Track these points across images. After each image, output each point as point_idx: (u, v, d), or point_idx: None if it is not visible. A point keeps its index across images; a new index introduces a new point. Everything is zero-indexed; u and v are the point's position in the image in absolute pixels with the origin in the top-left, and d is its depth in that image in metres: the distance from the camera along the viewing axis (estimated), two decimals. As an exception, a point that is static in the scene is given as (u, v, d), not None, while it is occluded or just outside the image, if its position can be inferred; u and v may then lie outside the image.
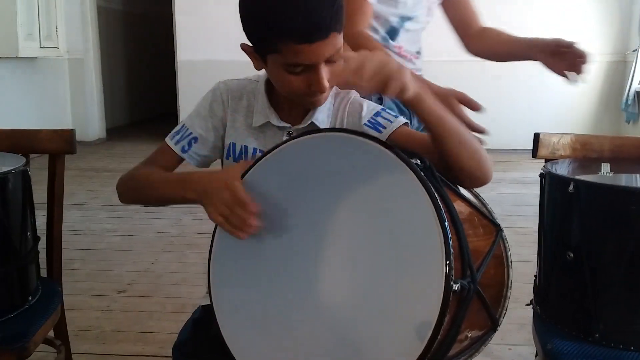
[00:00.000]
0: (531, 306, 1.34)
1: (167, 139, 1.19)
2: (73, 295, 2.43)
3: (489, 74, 6.11)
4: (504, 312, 1.04)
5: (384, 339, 0.85)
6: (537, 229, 1.34)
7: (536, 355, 1.32)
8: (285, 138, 1.12)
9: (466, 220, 0.93)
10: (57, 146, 1.52)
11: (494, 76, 6.13)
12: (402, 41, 1.57)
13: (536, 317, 1.31)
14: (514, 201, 3.94)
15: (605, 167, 1.26)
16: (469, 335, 0.96)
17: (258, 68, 1.09)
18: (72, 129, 1.52)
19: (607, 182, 1.22)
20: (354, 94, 1.19)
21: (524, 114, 6.04)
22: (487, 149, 1.05)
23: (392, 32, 1.56)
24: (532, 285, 1.37)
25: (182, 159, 1.18)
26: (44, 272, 1.50)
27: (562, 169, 1.33)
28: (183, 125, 1.19)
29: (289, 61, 1.00)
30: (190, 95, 5.72)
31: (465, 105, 1.27)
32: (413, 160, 0.88)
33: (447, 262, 0.80)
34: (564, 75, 1.48)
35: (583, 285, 1.16)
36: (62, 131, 1.52)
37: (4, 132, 1.52)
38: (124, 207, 4.02)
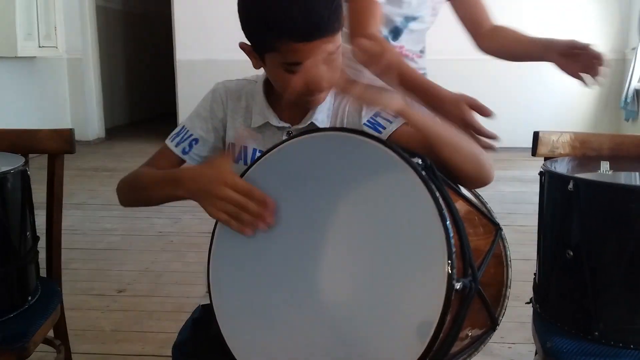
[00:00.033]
0: (531, 304, 1.34)
1: (167, 141, 1.19)
2: (73, 295, 2.43)
3: (489, 73, 6.10)
4: (503, 311, 1.04)
5: (385, 338, 0.84)
6: (537, 227, 1.34)
7: (536, 353, 1.32)
8: (284, 138, 1.11)
9: (466, 220, 0.93)
10: (57, 146, 1.52)
11: (494, 74, 6.12)
12: (405, 41, 1.56)
13: (536, 315, 1.31)
14: (514, 199, 3.94)
15: (605, 165, 1.26)
16: (470, 334, 0.96)
17: (257, 67, 1.09)
18: (71, 129, 1.52)
19: (607, 180, 1.22)
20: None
21: (523, 112, 6.04)
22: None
23: (395, 32, 1.55)
24: (532, 284, 1.37)
25: (183, 161, 1.18)
26: (43, 272, 1.50)
27: (561, 167, 1.33)
28: (183, 126, 1.19)
29: (287, 60, 1.00)
30: (190, 94, 5.72)
31: (475, 110, 1.25)
32: (414, 160, 0.87)
33: (449, 262, 0.80)
34: (579, 78, 1.45)
35: (583, 283, 1.16)
36: (61, 131, 1.52)
37: (3, 131, 1.52)
38: (123, 207, 3.99)
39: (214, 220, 1.01)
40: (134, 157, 5.81)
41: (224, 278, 1.00)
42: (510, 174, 4.69)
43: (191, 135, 1.17)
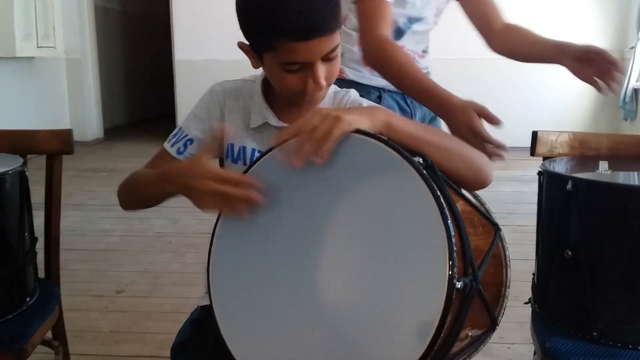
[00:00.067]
0: (529, 305, 1.34)
1: (165, 143, 1.19)
2: (71, 296, 2.42)
3: (488, 73, 6.11)
4: (503, 311, 1.04)
5: (385, 338, 0.84)
6: (535, 227, 1.34)
7: (535, 354, 1.32)
8: (283, 137, 1.11)
9: (466, 219, 0.92)
10: (55, 146, 1.51)
11: (493, 74, 6.13)
12: (407, 41, 1.56)
13: (534, 315, 1.31)
14: (513, 199, 3.94)
15: (604, 165, 1.26)
16: (469, 334, 0.95)
17: (255, 66, 1.09)
18: (69, 129, 1.52)
19: (605, 180, 1.22)
20: (354, 93, 1.18)
21: (522, 112, 6.04)
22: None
23: (398, 33, 1.54)
24: (530, 284, 1.37)
25: (179, 162, 1.18)
26: (41, 273, 1.50)
27: (560, 167, 1.34)
28: (180, 128, 1.19)
29: (285, 59, 1.00)
30: (188, 95, 5.72)
31: (484, 118, 1.24)
32: (415, 159, 0.87)
33: (450, 261, 0.79)
34: (593, 83, 1.43)
35: (581, 283, 1.16)
36: (59, 131, 1.51)
37: (2, 132, 1.52)
38: (122, 208, 3.98)
39: (213, 221, 1.01)
40: (133, 157, 5.81)
41: (223, 279, 0.99)
42: (509, 174, 4.69)
43: (186, 135, 1.17)
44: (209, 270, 1.01)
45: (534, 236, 1.35)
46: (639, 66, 5.46)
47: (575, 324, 1.19)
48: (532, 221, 1.37)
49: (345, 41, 1.60)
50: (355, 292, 0.88)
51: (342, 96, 1.17)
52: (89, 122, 6.71)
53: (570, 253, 1.18)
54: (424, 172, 0.85)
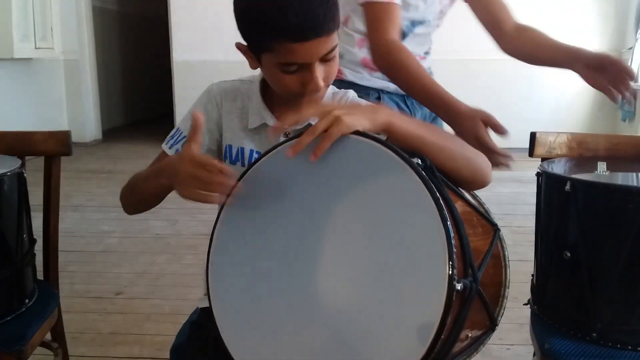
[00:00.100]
0: (529, 306, 1.34)
1: (163, 145, 1.19)
2: (70, 298, 2.42)
3: (487, 73, 6.12)
4: (502, 311, 1.04)
5: (385, 340, 0.84)
6: (534, 228, 1.34)
7: (534, 354, 1.32)
8: (282, 138, 1.11)
9: (465, 220, 0.92)
10: (53, 148, 1.51)
11: (492, 75, 6.14)
12: (409, 44, 1.55)
13: (534, 316, 1.31)
14: (511, 200, 3.94)
15: (602, 166, 1.26)
16: (469, 334, 0.96)
17: (253, 67, 1.09)
18: (67, 131, 1.52)
19: (604, 181, 1.22)
20: (352, 94, 1.18)
21: (520, 113, 6.04)
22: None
23: (400, 36, 1.53)
24: (529, 285, 1.37)
25: None
26: (40, 275, 1.49)
27: (558, 168, 1.34)
28: (177, 129, 1.19)
29: (283, 60, 1.00)
30: (187, 95, 5.72)
31: (490, 127, 1.24)
32: (414, 160, 0.87)
33: (450, 262, 0.79)
34: (606, 92, 1.41)
35: (580, 284, 1.16)
36: (57, 133, 1.51)
37: (0, 134, 1.52)
38: (120, 209, 3.98)
39: (212, 222, 1.01)
40: (131, 158, 5.81)
41: (223, 280, 0.99)
42: (507, 175, 4.66)
43: (185, 136, 1.17)
44: (208, 271, 1.01)
45: (532, 237, 1.35)
46: (637, 67, 5.46)
47: (575, 325, 1.19)
48: (531, 222, 1.37)
49: (345, 42, 1.59)
50: (355, 293, 0.88)
51: (341, 97, 1.17)
52: (87, 124, 6.70)
53: (569, 254, 1.18)
54: (423, 173, 0.85)
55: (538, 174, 1.32)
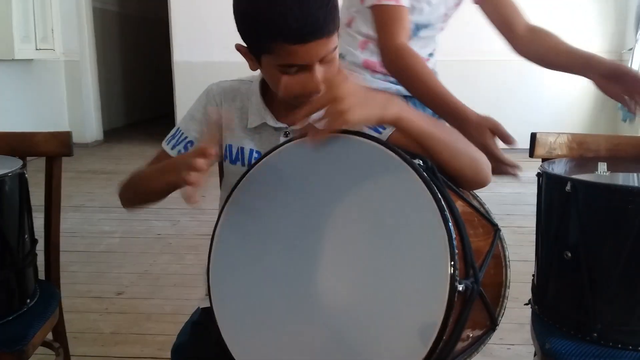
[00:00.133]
0: (529, 306, 1.35)
1: (164, 144, 1.19)
2: (71, 298, 2.43)
3: (487, 73, 6.12)
4: (503, 311, 1.04)
5: (387, 341, 0.84)
6: (535, 228, 1.34)
7: (535, 354, 1.32)
8: (282, 138, 1.12)
9: (466, 221, 0.92)
10: (54, 149, 1.51)
11: (492, 75, 6.14)
12: (413, 46, 1.53)
13: (534, 316, 1.31)
14: (512, 200, 3.94)
15: (602, 166, 1.26)
16: (470, 334, 0.96)
17: (253, 69, 1.09)
18: (68, 132, 1.52)
19: (604, 182, 1.22)
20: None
21: (521, 113, 6.04)
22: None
23: None
24: (530, 285, 1.37)
25: None
26: (42, 275, 1.50)
27: (559, 168, 1.34)
28: (178, 129, 1.19)
29: (283, 62, 1.00)
30: (187, 96, 5.71)
31: (498, 136, 1.23)
32: (415, 161, 0.87)
33: (452, 263, 0.80)
34: (622, 101, 1.41)
35: (581, 284, 1.16)
36: (58, 134, 1.52)
37: (1, 135, 1.52)
38: (121, 209, 3.97)
39: (213, 222, 1.01)
40: (132, 159, 5.81)
41: (224, 280, 1.00)
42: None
43: (186, 137, 1.17)
44: (209, 271, 1.01)
45: (533, 237, 1.35)
46: (637, 67, 5.46)
47: (575, 325, 1.19)
48: (532, 222, 1.37)
49: (348, 44, 1.59)
50: (356, 293, 0.88)
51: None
52: (88, 124, 6.70)
53: (569, 254, 1.18)
54: (424, 174, 0.85)
55: (538, 175, 1.32)
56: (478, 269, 0.88)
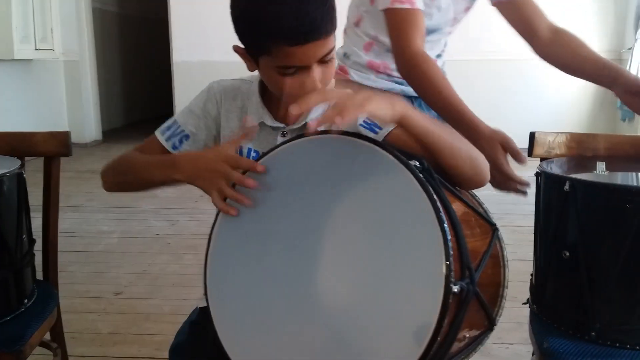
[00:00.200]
0: (528, 305, 1.34)
1: (158, 133, 1.18)
2: (69, 298, 2.42)
3: (487, 73, 6.12)
4: (501, 311, 1.04)
5: (383, 341, 0.84)
6: (534, 228, 1.34)
7: (533, 354, 1.32)
8: (279, 138, 1.11)
9: (463, 221, 0.92)
10: (53, 149, 1.51)
11: (491, 75, 6.14)
12: None
13: (533, 316, 1.31)
14: (511, 199, 3.90)
15: (601, 166, 1.26)
16: (467, 335, 0.96)
17: (251, 69, 1.09)
18: (67, 131, 1.52)
19: (603, 181, 1.22)
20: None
21: (520, 113, 6.05)
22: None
23: None
24: (529, 284, 1.37)
25: None
26: (40, 275, 1.50)
27: (557, 167, 1.34)
28: (175, 121, 1.19)
29: (280, 63, 1.00)
30: (186, 96, 5.69)
31: (509, 152, 1.22)
32: (411, 162, 0.87)
33: (447, 264, 0.80)
34: None
35: (579, 283, 1.16)
36: (57, 133, 1.51)
37: (0, 134, 1.52)
38: (120, 209, 4.01)
39: (211, 222, 1.01)
40: (131, 159, 5.79)
41: (221, 281, 0.99)
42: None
43: (182, 131, 1.17)
44: (206, 271, 1.01)
45: (532, 237, 1.35)
46: (636, 67, 5.46)
47: (574, 324, 1.19)
48: (530, 222, 1.37)
49: (354, 43, 1.58)
50: (354, 294, 0.88)
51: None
52: (87, 124, 6.70)
53: (568, 253, 1.18)
54: (420, 175, 0.85)
55: (537, 174, 1.32)
56: (474, 270, 0.88)
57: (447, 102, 1.31)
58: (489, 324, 1.01)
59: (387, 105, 0.93)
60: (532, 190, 1.35)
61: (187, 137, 1.17)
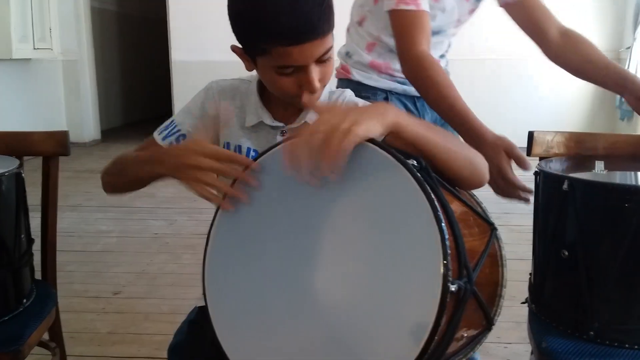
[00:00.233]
0: (526, 304, 1.35)
1: (155, 133, 1.19)
2: (68, 298, 2.42)
3: (486, 73, 6.12)
4: (499, 311, 1.04)
5: (380, 340, 0.84)
6: (532, 227, 1.34)
7: (532, 353, 1.32)
8: (278, 137, 1.12)
9: (461, 220, 0.92)
10: (51, 148, 1.51)
11: (491, 74, 6.14)
12: None
13: (531, 315, 1.31)
14: (509, 199, 3.94)
15: (600, 165, 1.26)
16: (465, 334, 0.96)
17: (249, 69, 1.09)
18: (65, 131, 1.52)
19: (602, 180, 1.22)
20: (349, 93, 1.18)
21: (519, 112, 6.05)
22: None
23: None
24: (527, 283, 1.37)
25: None
26: (38, 275, 1.50)
27: (556, 167, 1.34)
28: (172, 121, 1.19)
29: (278, 63, 0.99)
30: (185, 96, 5.70)
31: (513, 159, 1.22)
32: (409, 161, 0.87)
33: (445, 263, 0.79)
34: None
35: (578, 283, 1.16)
36: (55, 133, 1.51)
37: (-3, 134, 1.52)
38: (118, 209, 4.01)
39: (209, 222, 1.01)
40: (130, 158, 5.79)
41: (219, 280, 0.99)
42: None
43: (179, 130, 1.17)
44: (204, 270, 1.01)
45: (530, 236, 1.35)
46: (635, 66, 5.47)
47: (572, 324, 1.19)
48: (529, 221, 1.37)
49: (356, 43, 1.58)
50: (350, 293, 0.88)
51: (338, 96, 1.17)
52: (85, 124, 6.70)
53: (566, 253, 1.18)
54: (418, 174, 0.85)
55: (536, 173, 1.32)
56: (472, 269, 0.88)
57: (452, 107, 1.30)
58: (487, 324, 1.00)
59: (376, 119, 0.89)
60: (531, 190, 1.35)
61: (183, 136, 1.17)
